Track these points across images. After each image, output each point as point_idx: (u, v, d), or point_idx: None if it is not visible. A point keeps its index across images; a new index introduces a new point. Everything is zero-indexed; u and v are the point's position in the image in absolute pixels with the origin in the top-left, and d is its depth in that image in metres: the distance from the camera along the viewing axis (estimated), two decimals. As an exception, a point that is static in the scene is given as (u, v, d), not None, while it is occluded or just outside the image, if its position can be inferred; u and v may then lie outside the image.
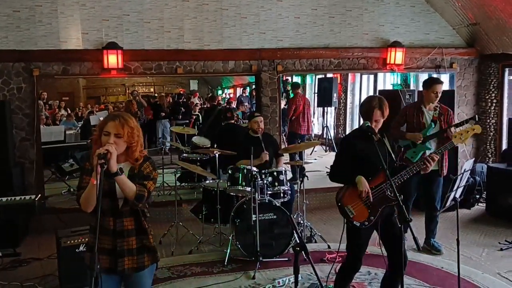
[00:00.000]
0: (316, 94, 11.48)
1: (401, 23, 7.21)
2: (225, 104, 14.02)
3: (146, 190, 2.62)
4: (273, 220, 4.96)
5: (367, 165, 3.39)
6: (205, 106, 13.15)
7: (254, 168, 5.09)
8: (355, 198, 3.40)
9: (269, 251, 4.89)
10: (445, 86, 7.96)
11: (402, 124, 5.16)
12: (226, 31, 6.64)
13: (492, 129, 7.50)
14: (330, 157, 8.78)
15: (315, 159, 9.55)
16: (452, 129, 4.90)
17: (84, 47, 6.20)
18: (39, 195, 5.20)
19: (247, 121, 7.26)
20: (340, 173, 3.51)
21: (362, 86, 11.42)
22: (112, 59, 6.12)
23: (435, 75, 7.66)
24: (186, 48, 6.51)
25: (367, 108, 3.47)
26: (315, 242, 5.48)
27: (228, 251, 4.97)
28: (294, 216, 5.60)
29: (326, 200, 6.92)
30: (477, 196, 6.90)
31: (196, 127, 11.22)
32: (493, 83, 7.43)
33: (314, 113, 12.41)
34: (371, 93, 10.56)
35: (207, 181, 5.84)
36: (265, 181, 5.10)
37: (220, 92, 18.90)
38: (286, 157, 6.48)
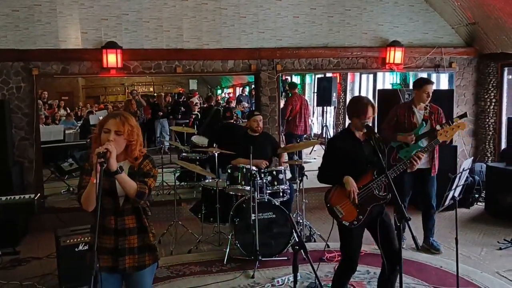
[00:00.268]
0: (315, 94, 11.48)
1: (400, 23, 7.21)
2: (225, 104, 14.01)
3: (147, 187, 2.63)
4: (272, 219, 4.96)
5: (353, 165, 3.44)
6: (205, 105, 13.14)
7: (254, 168, 5.09)
8: (343, 198, 3.44)
9: (268, 250, 4.90)
10: (444, 86, 8.00)
11: (393, 125, 5.16)
12: (225, 31, 6.64)
13: (491, 129, 7.51)
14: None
15: (315, 158, 9.54)
16: (438, 126, 4.94)
17: (83, 46, 6.20)
18: (39, 195, 5.22)
19: (246, 120, 7.26)
20: (328, 174, 3.56)
21: (361, 86, 11.41)
22: (111, 59, 6.12)
23: (434, 75, 7.69)
24: (185, 48, 6.51)
25: (360, 106, 3.48)
26: (314, 241, 5.49)
27: (227, 250, 4.97)
28: (293, 215, 5.60)
29: (325, 199, 6.91)
30: (476, 196, 6.92)
31: (195, 126, 11.21)
32: (492, 82, 7.44)
33: (313, 113, 12.41)
34: (370, 92, 10.56)
35: (207, 180, 5.84)
36: (264, 180, 5.11)
37: (219, 91, 18.88)
38: (285, 157, 6.47)
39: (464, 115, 4.84)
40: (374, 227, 3.47)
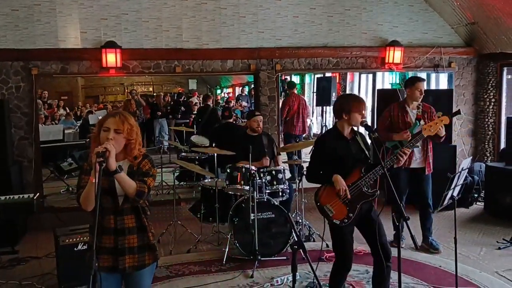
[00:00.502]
0: (314, 93, 11.49)
1: (400, 22, 7.21)
2: (224, 103, 14.02)
3: (146, 187, 2.64)
4: (271, 219, 4.96)
5: (342, 164, 3.47)
6: (202, 105, 13.14)
7: (253, 167, 5.09)
8: (333, 197, 3.47)
9: (268, 250, 4.90)
10: (444, 85, 8.00)
11: (387, 125, 5.16)
12: (224, 30, 6.63)
13: (491, 128, 7.51)
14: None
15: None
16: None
17: (82, 46, 6.20)
18: (38, 194, 5.21)
19: (245, 120, 7.25)
20: (316, 174, 3.58)
21: (360, 86, 11.41)
22: (111, 58, 6.12)
23: (433, 75, 7.69)
24: (185, 47, 6.50)
25: (356, 103, 3.49)
26: (313, 241, 5.50)
27: (227, 250, 4.97)
28: (293, 215, 5.60)
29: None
30: (476, 195, 6.92)
31: (194, 126, 11.21)
32: (491, 82, 7.44)
33: (313, 112, 12.41)
34: (370, 92, 10.54)
35: (206, 180, 5.84)
36: (263, 180, 5.10)
37: (219, 91, 18.88)
38: (284, 156, 6.48)
39: (457, 112, 4.86)
40: (363, 225, 3.53)
